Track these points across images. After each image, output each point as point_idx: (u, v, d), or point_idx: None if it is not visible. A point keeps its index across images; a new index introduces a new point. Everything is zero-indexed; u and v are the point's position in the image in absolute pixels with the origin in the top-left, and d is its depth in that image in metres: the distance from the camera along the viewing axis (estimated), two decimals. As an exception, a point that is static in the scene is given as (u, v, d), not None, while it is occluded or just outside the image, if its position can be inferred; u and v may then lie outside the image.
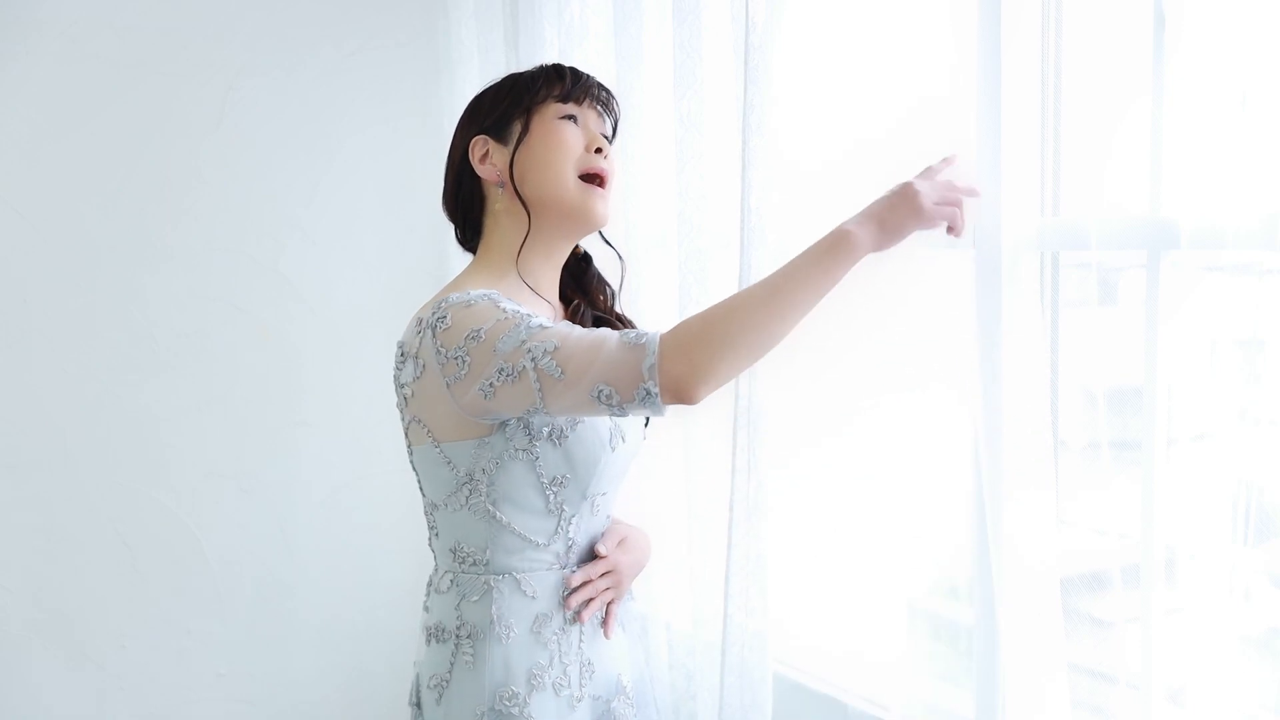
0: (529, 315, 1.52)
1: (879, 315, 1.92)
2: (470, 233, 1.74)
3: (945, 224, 1.61)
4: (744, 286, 1.94)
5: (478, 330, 1.50)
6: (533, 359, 1.46)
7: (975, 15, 1.75)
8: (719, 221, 2.08)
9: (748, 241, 1.93)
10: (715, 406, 2.09)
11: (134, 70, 2.63)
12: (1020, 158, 1.75)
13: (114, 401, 2.66)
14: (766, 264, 1.94)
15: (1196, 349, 1.55)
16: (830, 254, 1.49)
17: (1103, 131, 1.72)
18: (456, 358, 1.51)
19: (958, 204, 1.61)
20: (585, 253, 1.83)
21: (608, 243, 1.85)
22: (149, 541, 2.72)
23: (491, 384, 1.49)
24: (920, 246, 1.87)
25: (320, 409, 2.86)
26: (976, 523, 1.85)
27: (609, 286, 1.83)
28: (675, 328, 1.46)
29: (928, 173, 1.63)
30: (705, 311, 1.46)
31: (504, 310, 1.51)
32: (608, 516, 1.74)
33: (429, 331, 1.54)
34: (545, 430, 1.57)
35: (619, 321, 1.80)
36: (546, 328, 1.49)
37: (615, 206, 2.22)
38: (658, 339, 1.43)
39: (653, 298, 2.25)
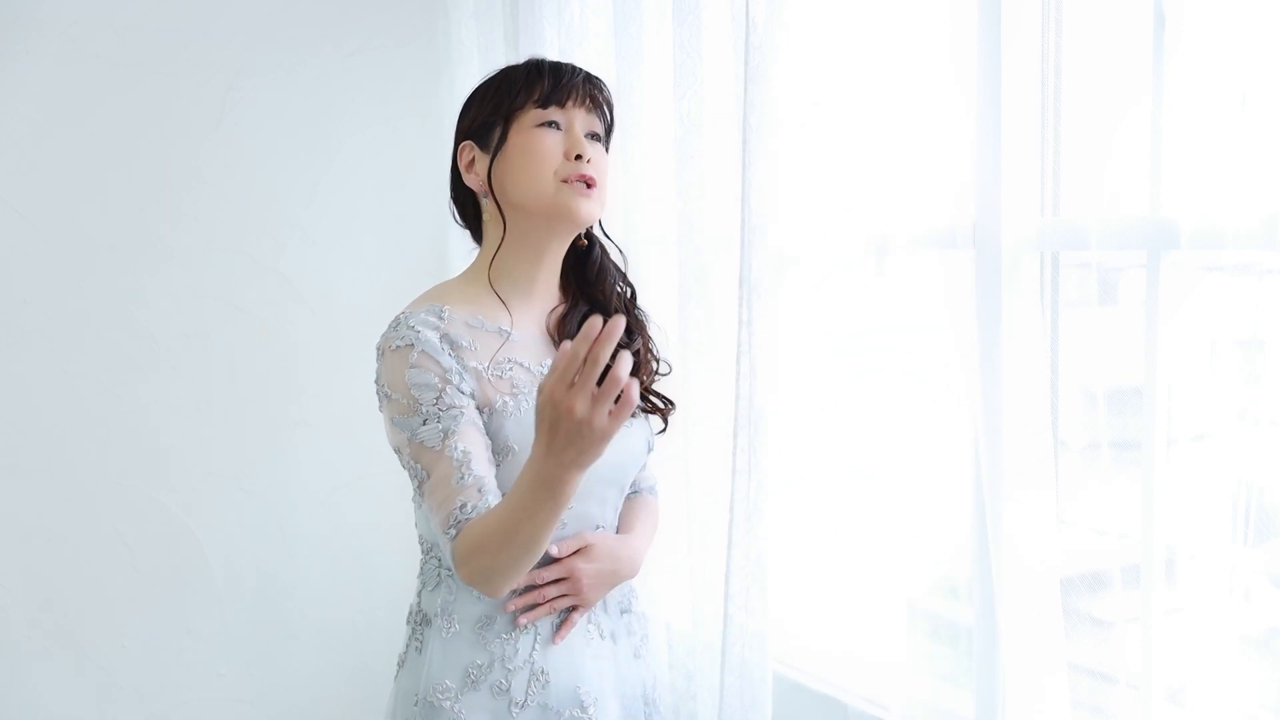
0: (426, 412, 1.51)
1: (878, 315, 1.92)
2: (474, 235, 1.74)
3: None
4: (741, 289, 1.94)
5: (389, 394, 1.55)
6: (412, 471, 1.55)
7: (975, 15, 1.75)
8: (719, 221, 2.08)
9: (748, 241, 1.93)
10: (715, 407, 2.09)
11: (134, 70, 2.63)
12: (1020, 158, 1.75)
13: (114, 402, 2.66)
14: (766, 264, 1.94)
15: (1196, 349, 1.55)
16: (555, 501, 1.40)
17: (1103, 131, 1.72)
18: (380, 397, 1.58)
19: (615, 389, 1.33)
20: (588, 242, 1.75)
21: (606, 235, 1.80)
22: (149, 541, 2.72)
23: (393, 446, 1.59)
24: (920, 246, 1.87)
25: (320, 409, 2.86)
26: (976, 523, 1.85)
27: (618, 278, 1.76)
28: (457, 548, 1.48)
29: (558, 382, 1.31)
30: (478, 538, 1.46)
31: (410, 390, 1.52)
32: (598, 527, 1.69)
33: (377, 351, 1.59)
34: None
35: (629, 328, 1.72)
36: (428, 448, 1.51)
37: (615, 206, 2.23)
38: (454, 544, 1.48)
39: (653, 298, 2.25)
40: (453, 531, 1.49)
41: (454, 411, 1.53)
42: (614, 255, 1.80)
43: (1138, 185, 1.61)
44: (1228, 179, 1.43)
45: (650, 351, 1.76)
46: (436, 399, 1.52)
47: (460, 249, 2.84)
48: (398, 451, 1.58)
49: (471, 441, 1.53)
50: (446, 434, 1.52)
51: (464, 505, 1.50)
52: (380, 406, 1.58)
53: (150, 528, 2.72)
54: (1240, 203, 1.41)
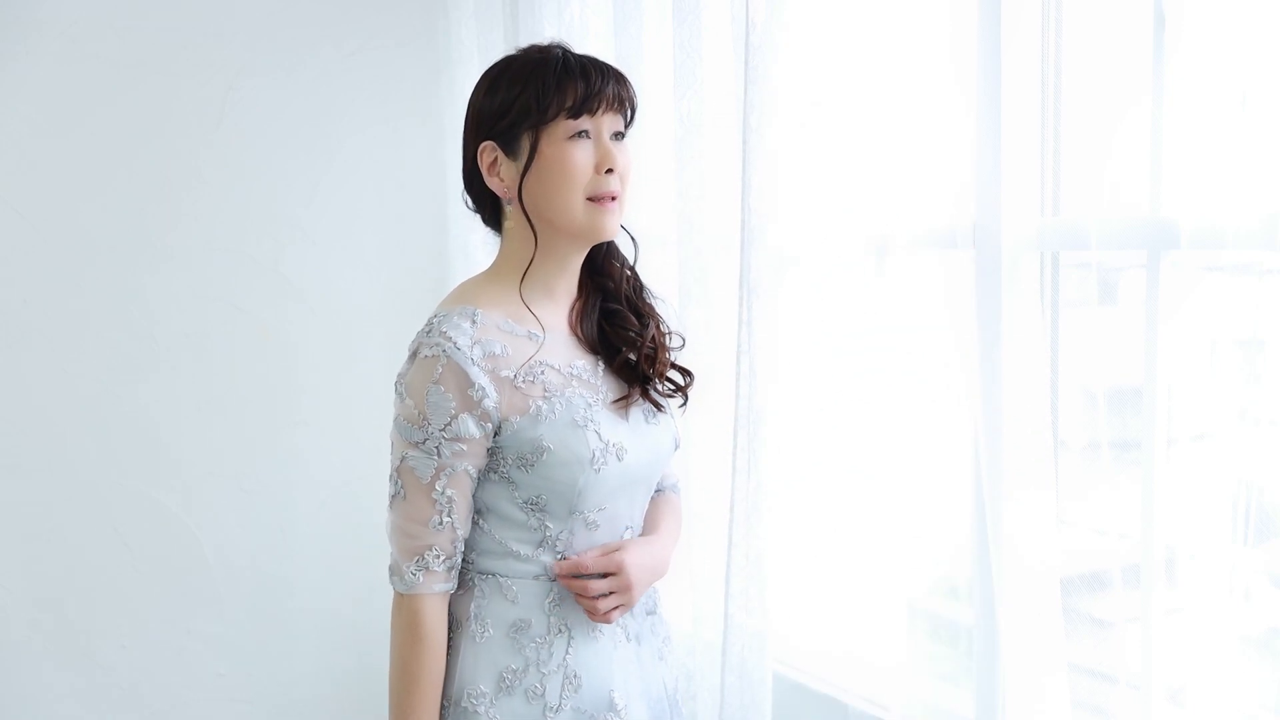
0: (429, 434, 1.53)
1: (878, 315, 1.92)
2: (491, 223, 1.70)
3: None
4: (741, 289, 1.94)
5: (404, 396, 1.56)
6: (392, 478, 1.59)
7: (975, 15, 1.75)
8: (719, 221, 2.08)
9: (748, 241, 1.93)
10: (715, 407, 2.09)
11: (134, 70, 2.63)
12: (1020, 158, 1.75)
13: (114, 401, 2.66)
14: (766, 264, 1.94)
15: (1196, 349, 1.55)
16: None
17: (1103, 131, 1.72)
18: (397, 393, 1.58)
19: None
20: None
21: (621, 226, 1.74)
22: (149, 541, 2.72)
23: (390, 436, 1.60)
24: (920, 246, 1.87)
25: (320, 409, 2.86)
26: (976, 523, 1.85)
27: (626, 264, 1.73)
28: (411, 604, 1.58)
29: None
30: (414, 647, 1.58)
31: (426, 405, 1.53)
32: (627, 528, 1.68)
33: (409, 349, 1.58)
34: (511, 459, 1.57)
35: (633, 309, 1.71)
36: (414, 473, 1.56)
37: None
38: (409, 593, 1.58)
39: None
40: (416, 575, 1.57)
41: (457, 448, 1.54)
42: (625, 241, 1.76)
43: (1138, 185, 1.61)
44: (1228, 179, 1.43)
45: (663, 333, 1.73)
46: (446, 425, 1.53)
47: (460, 248, 2.85)
48: (392, 447, 1.59)
49: (460, 488, 1.57)
50: (439, 471, 1.55)
51: (433, 547, 1.57)
52: (395, 402, 1.59)
53: (150, 528, 2.72)
54: (1240, 203, 1.41)
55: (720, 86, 2.05)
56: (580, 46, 2.36)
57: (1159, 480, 1.59)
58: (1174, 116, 1.51)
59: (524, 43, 2.48)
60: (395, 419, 1.57)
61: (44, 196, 2.58)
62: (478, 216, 1.71)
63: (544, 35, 2.43)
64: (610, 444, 1.59)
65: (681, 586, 2.23)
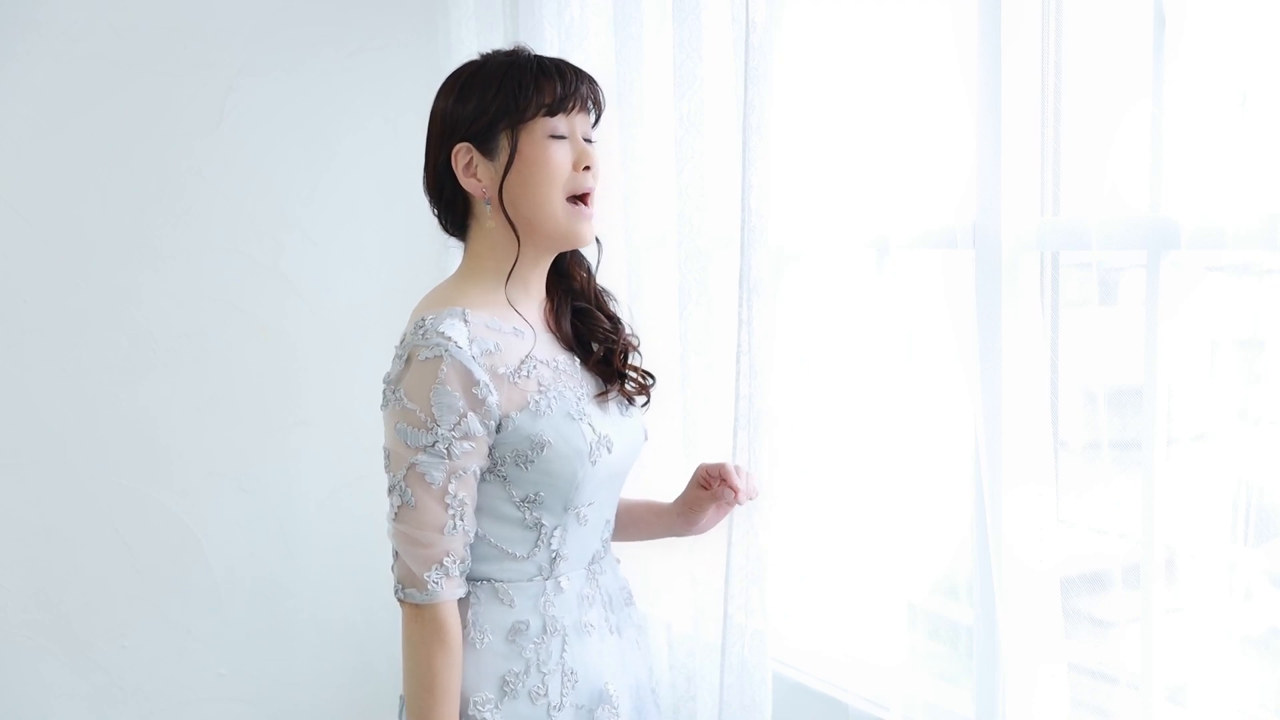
0: (440, 436, 1.52)
1: (879, 315, 1.92)
2: (453, 227, 1.71)
3: None
4: (741, 289, 1.94)
5: (405, 403, 1.54)
6: (397, 489, 1.56)
7: (975, 15, 1.75)
8: (719, 221, 2.08)
9: (748, 241, 1.93)
10: (714, 407, 2.09)
11: (134, 70, 2.63)
12: (1020, 158, 1.75)
13: (113, 401, 2.66)
14: (766, 264, 1.94)
15: (1196, 349, 1.55)
16: None
17: (1103, 131, 1.72)
18: (389, 397, 1.57)
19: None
20: None
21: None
22: (149, 541, 2.72)
23: (385, 448, 1.59)
24: (920, 246, 1.87)
25: (320, 409, 2.86)
26: (976, 522, 1.85)
27: (586, 263, 1.77)
28: (434, 613, 1.56)
29: None
30: (438, 649, 1.56)
31: (432, 408, 1.52)
32: (607, 522, 1.72)
33: (399, 355, 1.57)
34: (508, 456, 1.58)
35: (600, 309, 1.75)
36: (423, 478, 1.53)
37: (615, 207, 2.23)
38: (429, 601, 1.55)
39: (653, 298, 2.25)
40: (439, 583, 1.54)
41: (466, 448, 1.54)
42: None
43: (1138, 185, 1.61)
44: (1228, 179, 1.43)
45: (629, 331, 1.77)
46: (455, 425, 1.53)
47: (459, 247, 2.84)
48: (387, 454, 1.57)
49: (469, 490, 1.57)
50: (450, 475, 1.54)
51: (449, 553, 1.56)
52: (384, 405, 1.58)
53: (150, 528, 2.72)
54: (1240, 203, 1.41)
55: (720, 86, 2.05)
56: (580, 46, 2.37)
57: (1159, 480, 1.59)
58: (1174, 116, 1.51)
59: (524, 43, 2.49)
60: (395, 428, 1.55)
61: (43, 196, 2.58)
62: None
63: (544, 35, 2.43)
64: (602, 436, 1.63)
65: (681, 586, 2.23)
